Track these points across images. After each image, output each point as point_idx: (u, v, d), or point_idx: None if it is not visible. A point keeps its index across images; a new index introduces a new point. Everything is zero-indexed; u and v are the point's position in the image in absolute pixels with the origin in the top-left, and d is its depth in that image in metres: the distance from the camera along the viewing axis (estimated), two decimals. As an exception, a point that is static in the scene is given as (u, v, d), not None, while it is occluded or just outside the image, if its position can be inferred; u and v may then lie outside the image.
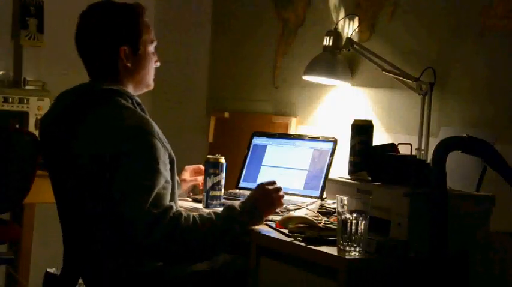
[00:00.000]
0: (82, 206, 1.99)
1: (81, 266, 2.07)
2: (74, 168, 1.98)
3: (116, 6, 2.06)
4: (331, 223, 2.08)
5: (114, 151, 1.90)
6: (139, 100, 2.06)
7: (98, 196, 1.94)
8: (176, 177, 2.07)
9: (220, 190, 2.40)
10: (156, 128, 1.96)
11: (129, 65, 2.05)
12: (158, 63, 2.15)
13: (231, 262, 2.10)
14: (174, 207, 1.91)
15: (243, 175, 2.73)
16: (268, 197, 2.09)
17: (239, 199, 2.44)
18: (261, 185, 2.12)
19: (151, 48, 2.11)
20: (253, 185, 2.63)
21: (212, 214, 1.97)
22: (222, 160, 2.42)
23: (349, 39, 2.66)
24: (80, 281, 2.14)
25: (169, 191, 1.93)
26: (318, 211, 2.25)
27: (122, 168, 1.89)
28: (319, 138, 2.66)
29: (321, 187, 2.52)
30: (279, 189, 2.12)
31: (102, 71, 2.05)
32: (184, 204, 2.44)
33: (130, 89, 2.07)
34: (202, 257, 1.97)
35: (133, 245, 1.90)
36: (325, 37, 2.74)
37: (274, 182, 2.14)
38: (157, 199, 1.87)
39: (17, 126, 3.18)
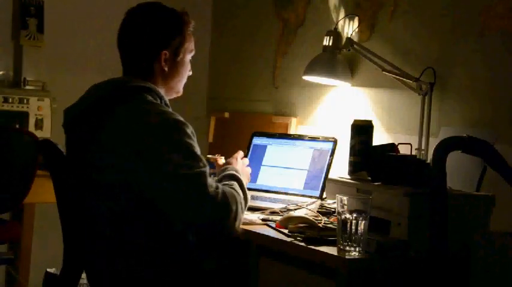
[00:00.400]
0: (98, 204, 1.98)
1: (89, 265, 2.06)
2: (98, 161, 1.96)
3: (165, 10, 2.10)
4: (331, 223, 2.08)
5: (145, 144, 1.90)
6: (168, 102, 2.08)
7: (124, 191, 1.92)
8: None
9: None
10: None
11: (166, 69, 2.08)
12: (191, 72, 2.19)
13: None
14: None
15: (243, 175, 2.74)
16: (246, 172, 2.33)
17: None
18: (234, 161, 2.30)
19: (189, 57, 2.15)
20: (253, 185, 2.64)
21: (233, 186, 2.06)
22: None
23: (349, 39, 2.67)
24: (82, 281, 2.14)
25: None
26: (318, 211, 2.25)
27: (162, 160, 1.89)
28: (319, 138, 2.66)
29: (321, 187, 2.52)
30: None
31: (139, 70, 2.07)
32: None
33: (161, 91, 2.08)
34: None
35: (196, 228, 1.96)
36: (325, 37, 2.74)
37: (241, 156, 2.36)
38: (208, 179, 1.92)
39: (17, 126, 3.18)
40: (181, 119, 1.95)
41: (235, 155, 2.34)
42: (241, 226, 2.07)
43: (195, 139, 1.95)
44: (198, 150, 1.94)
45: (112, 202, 1.94)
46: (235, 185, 2.06)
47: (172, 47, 2.08)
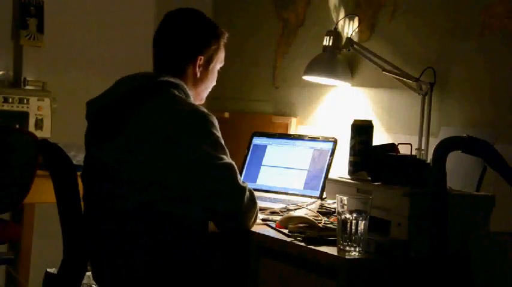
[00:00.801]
0: (107, 202, 1.98)
1: (94, 264, 2.06)
2: (123, 153, 1.97)
3: (205, 17, 2.22)
4: (331, 223, 2.08)
5: (175, 132, 1.93)
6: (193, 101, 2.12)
7: (143, 185, 1.94)
8: None
9: None
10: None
11: (198, 74, 2.15)
12: (215, 83, 2.26)
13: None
14: None
15: (243, 175, 2.73)
16: None
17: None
18: None
19: (219, 67, 2.23)
20: (253, 185, 2.64)
21: None
22: None
23: (349, 39, 2.67)
24: (85, 281, 2.13)
25: None
26: (318, 211, 2.25)
27: (192, 149, 1.92)
28: (319, 138, 2.66)
29: (321, 187, 2.52)
30: None
31: (171, 69, 2.11)
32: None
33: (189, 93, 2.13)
34: None
35: (227, 223, 2.00)
36: (325, 37, 2.74)
37: None
38: (237, 172, 1.97)
39: (17, 126, 3.18)
40: (210, 113, 2.02)
41: None
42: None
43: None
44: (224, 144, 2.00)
45: (121, 200, 1.95)
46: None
47: (207, 54, 2.16)
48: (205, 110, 2.01)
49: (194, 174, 1.93)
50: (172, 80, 2.05)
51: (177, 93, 2.04)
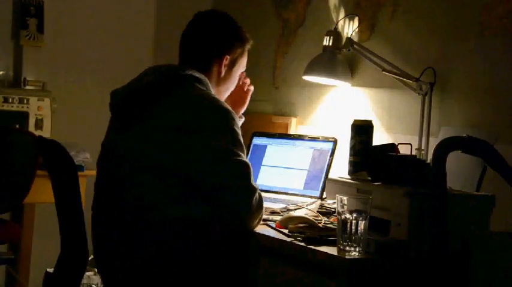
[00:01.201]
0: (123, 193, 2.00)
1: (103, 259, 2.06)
2: (144, 141, 1.99)
3: (233, 20, 2.30)
4: (331, 223, 2.08)
5: (198, 123, 1.97)
6: None
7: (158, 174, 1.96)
8: None
9: None
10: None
11: (222, 73, 2.21)
12: (233, 88, 2.30)
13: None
14: None
15: (243, 175, 2.73)
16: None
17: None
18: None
19: (239, 72, 2.30)
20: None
21: None
22: None
23: (349, 39, 2.67)
24: (84, 281, 2.13)
25: None
26: (318, 211, 2.25)
27: (212, 141, 1.96)
28: (319, 138, 2.66)
29: (321, 187, 2.52)
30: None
31: (198, 64, 2.15)
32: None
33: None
34: None
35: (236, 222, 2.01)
36: (325, 37, 2.74)
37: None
38: (252, 171, 2.01)
39: (17, 126, 3.18)
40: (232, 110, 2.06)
41: None
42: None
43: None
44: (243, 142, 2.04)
45: (140, 188, 1.96)
46: None
47: (233, 55, 2.22)
48: (228, 107, 2.05)
49: (211, 167, 1.96)
50: (197, 75, 2.09)
51: (200, 87, 2.07)
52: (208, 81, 2.12)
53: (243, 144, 2.03)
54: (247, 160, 2.01)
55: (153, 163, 1.97)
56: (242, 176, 1.99)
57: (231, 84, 2.27)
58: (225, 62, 2.20)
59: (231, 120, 2.01)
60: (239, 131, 2.03)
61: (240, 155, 1.99)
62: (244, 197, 1.98)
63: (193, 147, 1.95)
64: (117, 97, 2.12)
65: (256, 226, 2.05)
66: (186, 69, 2.09)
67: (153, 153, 1.97)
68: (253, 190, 1.99)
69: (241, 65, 2.28)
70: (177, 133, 1.96)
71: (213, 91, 2.14)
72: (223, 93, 2.27)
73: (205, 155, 1.95)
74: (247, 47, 2.28)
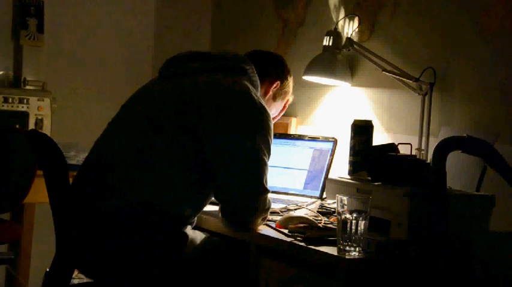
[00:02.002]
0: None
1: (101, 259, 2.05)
2: (179, 115, 2.03)
3: None
4: (331, 223, 2.08)
5: (237, 114, 2.03)
6: None
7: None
8: None
9: None
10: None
11: (269, 94, 2.36)
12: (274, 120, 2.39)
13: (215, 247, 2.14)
14: None
15: (243, 175, 2.73)
16: None
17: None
18: None
19: (279, 108, 2.43)
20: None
21: None
22: None
23: (349, 39, 2.67)
24: (74, 275, 2.13)
25: None
26: (318, 211, 2.25)
27: (245, 134, 2.02)
28: (319, 138, 2.66)
29: (321, 187, 2.52)
30: None
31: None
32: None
33: None
34: None
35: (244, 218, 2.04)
36: (325, 37, 2.74)
37: None
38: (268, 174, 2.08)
39: (17, 126, 3.18)
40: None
41: None
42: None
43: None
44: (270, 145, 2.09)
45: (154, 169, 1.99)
46: None
47: (282, 86, 2.39)
48: (264, 104, 2.11)
49: (232, 159, 2.00)
50: (254, 77, 2.18)
51: (250, 84, 2.14)
52: (259, 88, 2.22)
53: (270, 146, 2.07)
54: (268, 161, 2.06)
55: (186, 124, 2.00)
56: (260, 174, 2.03)
57: (274, 106, 2.40)
58: (276, 86, 2.35)
59: (270, 122, 2.08)
60: (272, 133, 2.08)
61: (265, 154, 2.04)
62: (255, 193, 2.02)
63: (225, 136, 2.00)
64: (176, 56, 2.22)
65: (258, 225, 2.06)
66: (249, 65, 2.18)
67: (191, 115, 2.01)
68: (264, 189, 2.04)
69: (278, 106, 2.42)
70: (216, 117, 2.01)
71: None
72: None
73: (232, 149, 2.00)
74: (290, 97, 2.46)
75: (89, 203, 2.01)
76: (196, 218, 2.14)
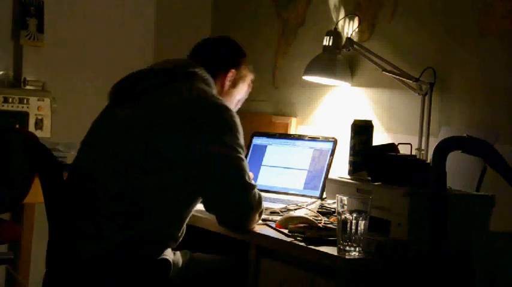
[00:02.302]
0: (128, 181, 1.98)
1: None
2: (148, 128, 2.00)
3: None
4: (331, 223, 2.08)
5: (203, 116, 1.99)
6: None
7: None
8: None
9: None
10: None
11: (225, 87, 2.27)
12: (237, 107, 2.36)
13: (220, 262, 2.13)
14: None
15: (243, 175, 2.73)
16: None
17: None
18: None
19: (241, 95, 2.34)
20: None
21: None
22: None
23: (349, 39, 2.66)
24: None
25: None
26: (318, 211, 2.25)
27: (215, 136, 1.98)
28: (319, 138, 2.66)
29: (321, 187, 2.52)
30: None
31: (207, 69, 2.18)
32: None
33: None
34: None
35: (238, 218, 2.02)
36: (325, 37, 2.74)
37: None
38: (248, 169, 2.03)
39: (17, 126, 3.18)
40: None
41: None
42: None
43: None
44: (243, 140, 2.06)
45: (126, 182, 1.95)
46: None
47: (238, 73, 2.29)
48: (225, 103, 2.08)
49: (209, 161, 1.97)
50: (206, 76, 2.14)
51: (206, 87, 2.11)
52: (214, 85, 2.17)
53: (242, 140, 2.04)
54: (243, 156, 2.03)
55: (153, 148, 1.96)
56: (240, 172, 1.99)
57: (231, 100, 2.31)
58: (231, 75, 2.26)
59: (235, 118, 2.04)
60: (240, 129, 2.04)
61: (239, 152, 2.00)
62: (241, 192, 1.99)
63: (196, 141, 1.96)
64: (121, 80, 2.16)
65: (256, 222, 2.05)
66: (197, 67, 2.14)
67: (155, 137, 1.97)
68: (248, 186, 2.00)
69: (241, 91, 2.33)
70: (181, 122, 1.97)
71: None
72: (229, 104, 2.25)
73: (205, 151, 1.96)
74: (250, 77, 2.35)
75: (69, 246, 1.99)
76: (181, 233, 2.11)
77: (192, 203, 2.05)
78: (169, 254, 2.03)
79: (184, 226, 2.08)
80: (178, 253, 2.10)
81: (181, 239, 2.09)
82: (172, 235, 2.03)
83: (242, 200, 1.99)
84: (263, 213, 2.09)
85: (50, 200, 2.09)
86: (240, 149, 2.01)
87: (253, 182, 2.03)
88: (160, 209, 1.97)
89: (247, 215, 2.01)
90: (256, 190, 2.02)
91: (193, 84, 2.08)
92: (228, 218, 2.03)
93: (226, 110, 2.04)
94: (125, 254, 1.94)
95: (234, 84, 2.29)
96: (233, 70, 2.26)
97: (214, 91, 2.16)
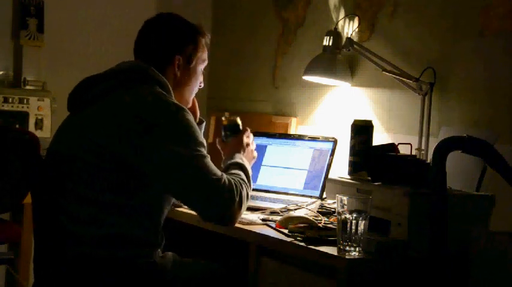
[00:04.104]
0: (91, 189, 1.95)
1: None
2: (102, 136, 1.95)
3: (180, 19, 2.21)
4: (331, 223, 2.08)
5: (154, 121, 1.92)
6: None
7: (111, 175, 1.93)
8: None
9: None
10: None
11: (178, 74, 2.14)
12: (202, 85, 2.25)
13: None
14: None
15: (243, 175, 2.73)
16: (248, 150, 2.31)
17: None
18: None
19: (201, 67, 2.21)
20: (253, 185, 2.64)
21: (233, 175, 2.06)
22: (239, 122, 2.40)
23: (349, 39, 2.66)
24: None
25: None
26: (318, 211, 2.25)
27: (169, 140, 1.91)
28: (319, 138, 2.66)
29: (321, 187, 2.52)
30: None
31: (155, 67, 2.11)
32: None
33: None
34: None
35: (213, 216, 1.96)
36: (325, 37, 2.74)
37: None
38: (210, 166, 1.95)
39: (17, 126, 3.18)
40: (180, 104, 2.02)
41: (243, 135, 2.34)
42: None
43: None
44: (201, 137, 1.99)
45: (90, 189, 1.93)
46: (242, 175, 2.08)
47: (185, 54, 2.14)
48: (180, 104, 2.00)
49: (167, 165, 1.91)
50: (157, 77, 2.05)
51: (159, 90, 2.03)
52: (168, 84, 2.08)
53: (200, 137, 1.97)
54: (204, 154, 1.95)
55: (114, 154, 1.92)
56: (201, 171, 1.92)
57: (192, 83, 2.19)
58: (178, 62, 2.12)
59: (187, 116, 1.96)
60: (195, 126, 1.97)
61: (198, 151, 1.93)
62: (209, 195, 1.92)
63: (150, 146, 1.91)
64: (74, 88, 2.12)
65: (243, 207, 1.99)
66: (144, 67, 2.07)
67: (114, 143, 1.92)
68: (215, 186, 1.92)
69: (200, 60, 2.19)
70: (136, 130, 1.91)
71: (174, 94, 2.09)
72: (187, 94, 2.20)
73: (161, 156, 1.91)
74: (203, 40, 2.19)
75: (52, 248, 1.98)
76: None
77: (161, 201, 2.02)
78: (156, 257, 2.01)
79: (160, 222, 2.04)
80: (167, 254, 2.09)
81: (163, 240, 2.06)
82: (147, 234, 1.99)
83: (212, 197, 1.93)
84: (245, 197, 2.00)
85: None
86: (199, 146, 1.94)
87: (218, 172, 1.95)
88: (129, 211, 1.94)
89: (225, 208, 1.94)
90: (224, 179, 1.94)
91: (144, 90, 2.00)
92: (207, 215, 1.97)
93: (175, 110, 1.96)
94: (105, 253, 1.92)
95: (188, 63, 2.16)
96: (178, 57, 2.12)
97: (170, 90, 2.08)
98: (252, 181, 2.12)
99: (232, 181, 1.97)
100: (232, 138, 2.33)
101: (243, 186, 2.00)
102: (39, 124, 3.24)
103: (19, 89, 3.30)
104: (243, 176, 2.07)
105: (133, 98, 1.98)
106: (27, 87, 3.32)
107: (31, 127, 3.22)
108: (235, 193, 1.95)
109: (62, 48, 3.51)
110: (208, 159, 1.95)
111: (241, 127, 2.36)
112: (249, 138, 2.34)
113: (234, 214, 1.95)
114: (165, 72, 2.11)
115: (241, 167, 2.13)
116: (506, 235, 1.89)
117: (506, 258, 1.83)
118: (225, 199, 1.93)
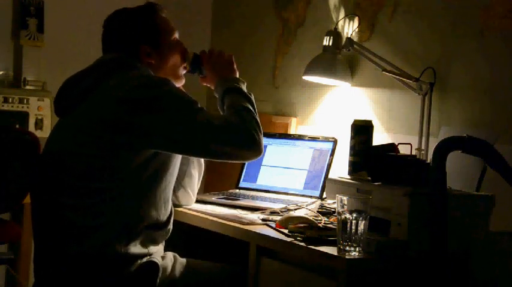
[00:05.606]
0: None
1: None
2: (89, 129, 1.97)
3: (131, 10, 2.18)
4: (331, 223, 2.08)
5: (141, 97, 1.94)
6: None
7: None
8: None
9: None
10: None
11: (152, 61, 2.13)
12: (189, 50, 2.24)
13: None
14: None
15: (242, 175, 2.74)
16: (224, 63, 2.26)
17: (239, 200, 2.45)
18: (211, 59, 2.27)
19: (173, 38, 2.19)
20: (253, 185, 2.64)
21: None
22: None
23: (349, 39, 2.66)
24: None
25: None
26: (318, 211, 2.25)
27: (166, 108, 1.94)
28: (319, 138, 2.66)
29: (321, 187, 2.52)
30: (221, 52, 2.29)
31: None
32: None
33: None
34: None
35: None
36: (325, 37, 2.74)
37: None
38: (207, 114, 1.98)
39: (17, 126, 3.18)
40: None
41: (206, 59, 2.29)
42: (242, 226, 2.08)
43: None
44: (191, 96, 2.01)
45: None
46: (237, 98, 2.10)
47: (148, 40, 2.12)
48: (160, 77, 2.04)
49: (174, 130, 1.94)
50: (139, 65, 2.08)
51: (134, 70, 2.06)
52: (148, 69, 2.09)
53: (187, 96, 2.00)
54: (199, 107, 1.98)
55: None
56: (208, 121, 1.95)
57: (170, 60, 2.18)
58: (145, 52, 2.12)
59: (169, 84, 1.99)
60: (180, 89, 2.02)
61: (195, 110, 1.96)
62: (224, 126, 1.96)
63: (153, 121, 1.93)
64: (58, 91, 2.16)
65: (256, 130, 2.00)
66: (118, 57, 2.10)
67: (102, 129, 1.94)
68: (228, 125, 1.98)
69: (167, 34, 2.18)
70: (135, 109, 1.93)
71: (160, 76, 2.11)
72: (174, 71, 2.20)
73: (166, 127, 1.93)
74: (158, 18, 2.17)
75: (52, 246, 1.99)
76: (171, 226, 2.08)
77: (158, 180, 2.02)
78: (157, 256, 2.01)
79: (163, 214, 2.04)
80: (167, 254, 2.09)
81: (168, 234, 2.07)
82: (148, 214, 2.00)
83: (231, 137, 1.96)
84: (254, 119, 2.03)
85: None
86: (192, 106, 1.96)
87: (221, 115, 2.02)
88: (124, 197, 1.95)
89: (249, 138, 1.98)
90: (227, 118, 1.99)
91: (126, 72, 2.03)
92: (238, 154, 2.00)
93: (160, 84, 1.98)
94: (106, 249, 1.92)
95: (156, 45, 2.14)
96: (143, 46, 2.11)
97: (147, 72, 2.08)
98: (249, 96, 2.13)
99: (236, 113, 2.01)
100: (204, 69, 2.29)
101: (246, 109, 2.03)
102: (39, 124, 3.24)
103: (19, 89, 3.30)
104: (242, 98, 2.09)
105: (117, 81, 2.00)
106: (27, 87, 3.32)
107: (31, 127, 3.22)
108: (246, 121, 1.99)
109: (62, 48, 3.51)
110: (206, 110, 1.99)
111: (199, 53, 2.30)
112: (212, 54, 2.28)
113: (258, 139, 1.99)
114: (141, 62, 2.11)
115: (232, 90, 2.13)
116: (506, 235, 1.89)
117: (506, 258, 1.83)
118: (243, 131, 1.97)
